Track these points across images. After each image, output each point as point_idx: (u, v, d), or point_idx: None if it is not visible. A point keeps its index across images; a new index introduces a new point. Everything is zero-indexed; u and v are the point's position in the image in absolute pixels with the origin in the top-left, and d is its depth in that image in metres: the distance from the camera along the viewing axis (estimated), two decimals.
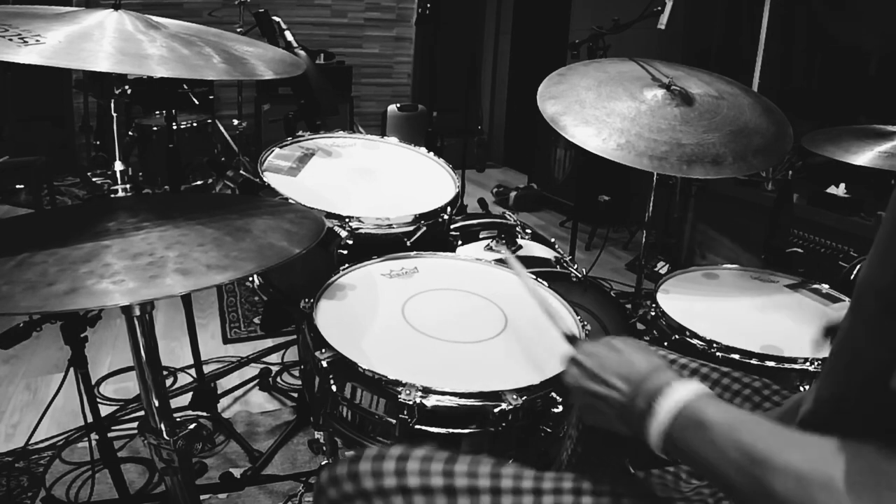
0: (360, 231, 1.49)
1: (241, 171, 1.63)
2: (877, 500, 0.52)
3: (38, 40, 0.87)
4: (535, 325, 1.29)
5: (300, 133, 1.87)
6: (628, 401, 0.75)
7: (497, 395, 1.04)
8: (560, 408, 1.09)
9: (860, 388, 0.61)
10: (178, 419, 1.07)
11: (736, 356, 1.32)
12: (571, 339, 0.91)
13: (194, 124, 3.92)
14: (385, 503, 0.80)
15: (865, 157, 1.63)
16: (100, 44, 0.93)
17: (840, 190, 2.73)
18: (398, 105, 5.36)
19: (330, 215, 1.46)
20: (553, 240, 2.19)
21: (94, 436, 1.57)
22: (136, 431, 1.60)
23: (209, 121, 4.09)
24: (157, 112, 3.94)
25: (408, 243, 1.55)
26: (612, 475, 0.84)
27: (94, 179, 3.82)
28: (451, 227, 1.68)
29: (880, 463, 0.54)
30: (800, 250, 2.76)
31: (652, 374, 0.75)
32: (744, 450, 0.61)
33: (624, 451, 1.15)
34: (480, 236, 2.06)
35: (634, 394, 0.74)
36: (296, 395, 2.22)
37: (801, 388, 1.24)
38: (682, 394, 0.70)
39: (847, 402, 0.63)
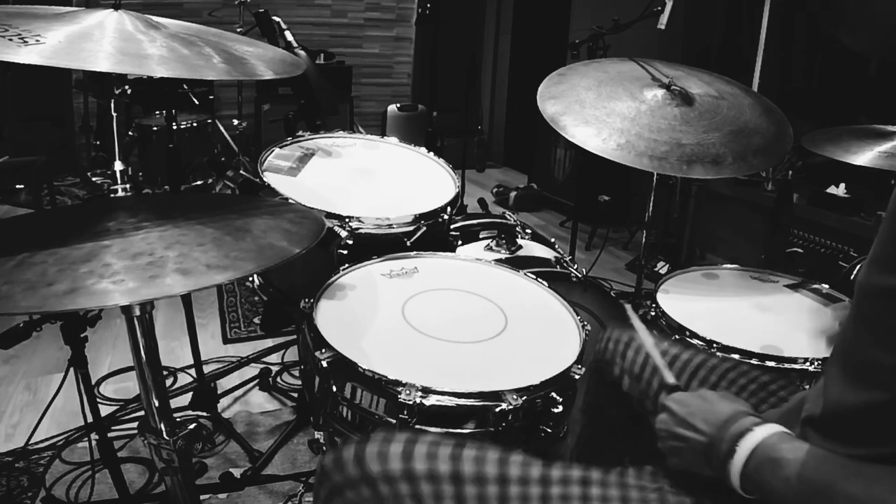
0: (360, 231, 1.49)
1: (241, 171, 1.63)
2: None
3: (38, 40, 0.87)
4: (535, 325, 1.29)
5: (300, 133, 1.87)
6: (711, 443, 0.79)
7: (497, 395, 1.04)
8: (560, 408, 1.09)
9: (864, 390, 0.61)
10: (178, 419, 1.07)
11: (736, 356, 1.32)
12: (672, 389, 0.95)
13: (194, 124, 3.92)
14: (390, 490, 0.78)
15: (865, 157, 1.63)
16: (100, 44, 0.93)
17: (840, 190, 2.73)
18: (398, 105, 5.36)
19: (330, 215, 1.46)
20: (553, 240, 2.19)
21: (94, 436, 1.57)
22: (136, 431, 1.60)
23: (209, 121, 4.09)
24: (157, 112, 3.94)
25: (408, 243, 1.54)
26: (616, 464, 0.85)
27: (94, 179, 3.82)
28: (451, 227, 1.68)
29: None
30: (800, 250, 2.76)
31: (734, 418, 0.79)
32: (812, 484, 0.66)
33: (624, 450, 1.15)
34: (480, 236, 2.06)
35: (718, 437, 0.78)
36: (296, 395, 2.22)
37: (803, 388, 1.24)
38: (759, 434, 0.74)
39: (852, 405, 0.63)
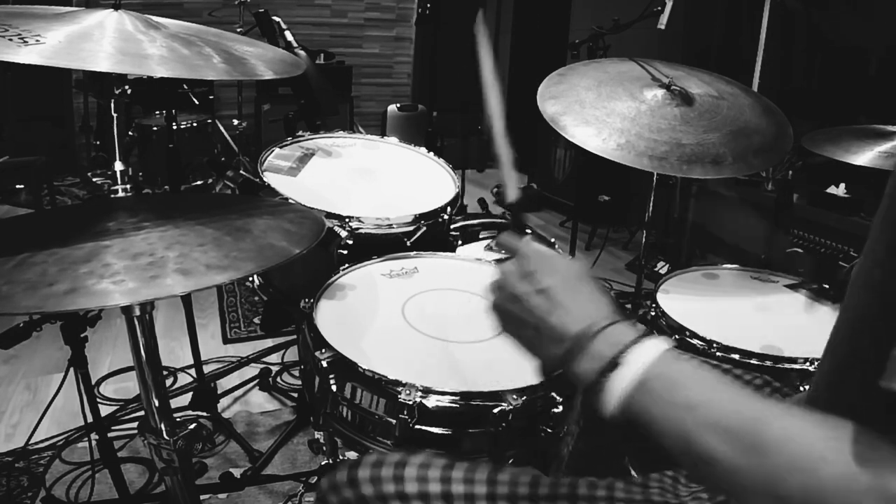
0: (360, 231, 1.49)
1: (241, 171, 1.63)
2: (879, 477, 0.48)
3: (38, 40, 0.87)
4: None
5: (300, 133, 1.87)
6: (580, 336, 0.64)
7: (497, 395, 1.04)
8: (560, 408, 1.09)
9: (854, 384, 0.60)
10: (178, 419, 1.07)
11: (736, 356, 1.32)
12: (514, 207, 0.75)
13: (194, 124, 3.92)
14: None
15: (865, 157, 1.63)
16: (100, 44, 0.93)
17: (840, 190, 2.73)
18: (398, 105, 5.35)
19: (330, 215, 1.46)
20: (553, 240, 2.19)
21: (94, 436, 1.57)
22: (136, 431, 1.60)
23: (209, 121, 4.09)
24: (157, 112, 3.94)
25: (408, 243, 1.55)
26: (610, 477, 0.84)
27: (94, 179, 3.82)
28: (451, 227, 1.68)
29: (881, 442, 0.50)
30: (800, 250, 2.76)
31: (615, 319, 0.65)
32: (733, 416, 0.54)
33: (624, 450, 1.15)
34: (480, 236, 2.06)
35: (590, 333, 0.63)
36: (296, 395, 2.22)
37: (801, 389, 1.24)
38: (653, 347, 0.61)
39: (841, 400, 0.62)
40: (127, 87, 3.34)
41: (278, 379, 2.34)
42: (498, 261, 0.75)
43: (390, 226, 1.52)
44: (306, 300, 1.25)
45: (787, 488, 0.50)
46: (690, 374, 0.59)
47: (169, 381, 2.28)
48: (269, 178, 1.59)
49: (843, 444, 0.50)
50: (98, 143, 4.12)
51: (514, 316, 0.71)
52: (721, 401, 0.56)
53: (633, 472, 0.86)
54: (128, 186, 1.14)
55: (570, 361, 0.65)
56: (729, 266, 1.76)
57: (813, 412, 0.55)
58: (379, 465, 0.83)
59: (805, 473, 0.50)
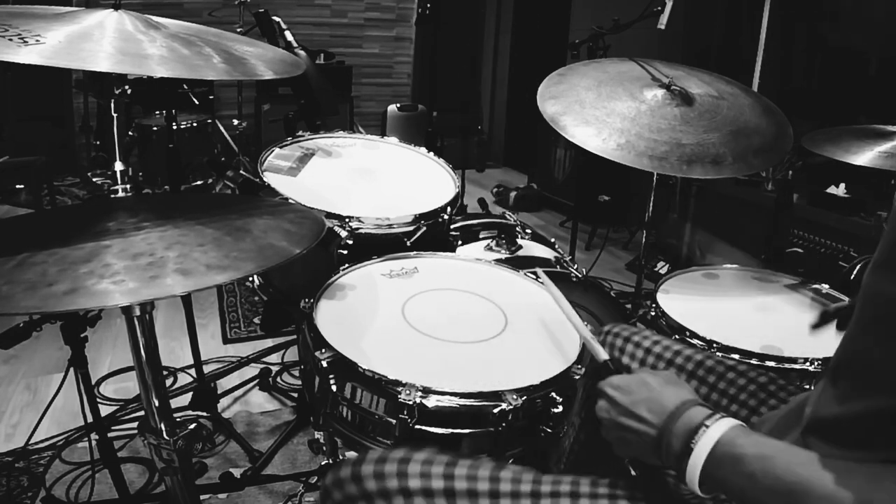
0: (360, 231, 1.49)
1: (241, 171, 1.63)
2: None
3: (38, 40, 0.87)
4: (535, 325, 1.29)
5: (300, 133, 1.87)
6: (660, 436, 0.76)
7: (497, 395, 1.04)
8: (560, 408, 1.09)
9: (868, 395, 0.61)
10: (178, 419, 1.07)
11: (736, 356, 1.32)
12: (605, 368, 0.93)
13: (194, 124, 3.92)
14: None
15: (865, 157, 1.63)
16: (100, 44, 0.93)
17: (840, 190, 2.73)
18: (398, 105, 5.36)
19: (330, 215, 1.46)
20: (553, 240, 2.19)
21: (94, 436, 1.57)
22: (136, 431, 1.61)
23: (209, 121, 4.09)
24: (157, 112, 3.94)
25: (408, 243, 1.54)
26: (611, 475, 0.84)
27: (94, 179, 3.82)
28: (451, 227, 1.68)
29: None
30: (800, 250, 2.76)
31: (681, 409, 0.76)
32: (781, 479, 0.63)
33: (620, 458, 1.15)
34: (480, 236, 2.06)
35: (667, 429, 0.75)
36: (296, 395, 2.22)
37: (803, 388, 1.24)
38: (716, 431, 0.71)
39: (856, 410, 0.63)
40: (127, 87, 3.34)
41: (278, 379, 2.34)
42: (590, 400, 0.94)
43: (390, 226, 1.52)
44: (306, 300, 1.25)
45: None
46: (750, 446, 0.68)
47: (169, 381, 2.28)
48: (269, 178, 1.59)
49: (879, 492, 0.56)
50: (98, 143, 4.12)
51: (617, 438, 0.83)
52: (774, 468, 0.65)
53: (632, 472, 0.86)
54: (128, 186, 1.14)
55: (659, 456, 0.77)
56: (729, 266, 1.76)
57: (849, 463, 0.61)
58: (382, 462, 0.84)
59: None
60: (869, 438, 0.62)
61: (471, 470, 0.83)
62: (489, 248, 1.95)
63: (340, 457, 1.31)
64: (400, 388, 1.04)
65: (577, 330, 1.08)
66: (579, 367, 1.15)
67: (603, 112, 1.56)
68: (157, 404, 1.04)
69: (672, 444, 0.74)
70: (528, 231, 2.16)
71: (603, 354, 0.95)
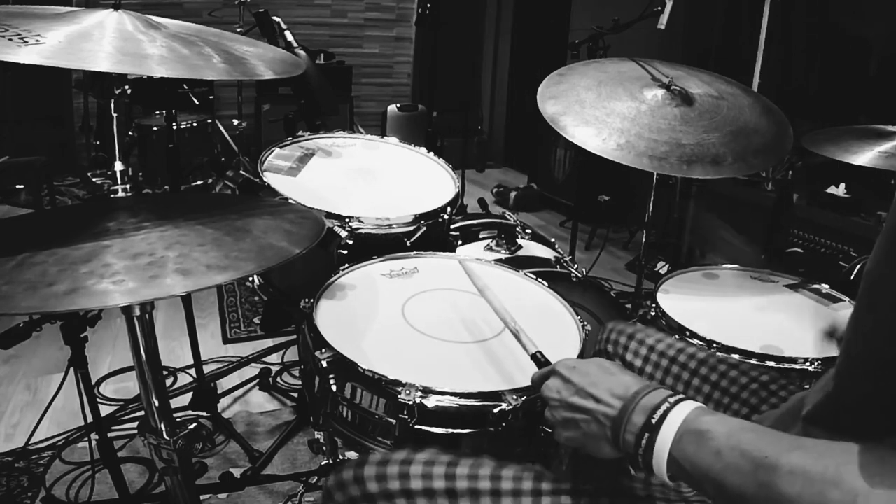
0: (360, 231, 1.49)
1: (241, 171, 1.63)
2: (890, 491, 0.51)
3: (38, 40, 0.87)
4: (535, 325, 1.29)
5: (300, 133, 1.87)
6: (620, 416, 0.73)
7: (497, 395, 1.04)
8: None
9: (872, 387, 0.60)
10: (178, 419, 1.07)
11: (736, 356, 1.32)
12: (535, 359, 0.93)
13: (194, 124, 3.92)
14: None
15: (865, 157, 1.63)
16: (100, 44, 0.93)
17: (840, 190, 2.73)
18: (398, 105, 5.35)
19: (330, 215, 1.46)
20: (553, 240, 2.19)
21: (94, 436, 1.57)
22: (136, 431, 1.60)
23: (209, 121, 4.09)
24: (157, 112, 3.94)
25: (408, 243, 1.54)
26: (611, 476, 0.84)
27: (94, 179, 3.80)
28: (451, 227, 1.68)
29: (891, 456, 0.53)
30: (800, 250, 2.76)
31: (646, 391, 0.74)
32: (749, 456, 0.60)
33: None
34: (480, 236, 2.06)
35: (629, 409, 0.73)
36: (296, 395, 2.22)
37: (804, 387, 1.24)
38: (682, 409, 0.69)
39: (857, 402, 0.62)
40: (127, 87, 3.34)
41: (278, 379, 2.34)
42: (535, 378, 0.91)
43: (390, 226, 1.52)
44: (306, 300, 1.25)
45: None
46: (715, 423, 0.66)
47: (169, 381, 2.28)
48: (269, 178, 1.59)
49: (850, 466, 0.53)
50: (98, 143, 4.12)
51: (566, 420, 0.80)
52: (740, 443, 0.62)
53: (632, 471, 0.86)
54: (128, 186, 1.14)
55: (617, 441, 0.74)
56: (729, 266, 1.76)
57: (825, 441, 0.58)
58: (384, 463, 0.84)
59: (817, 498, 0.54)
60: (874, 425, 0.61)
61: (472, 469, 0.83)
62: (489, 248, 1.95)
63: (340, 457, 1.31)
64: (400, 388, 1.04)
65: (503, 321, 1.06)
66: None
67: (603, 112, 1.56)
68: (157, 404, 1.04)
69: (635, 421, 0.72)
70: (528, 231, 2.16)
71: (531, 347, 0.95)
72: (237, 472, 1.81)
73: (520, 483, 0.82)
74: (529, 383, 1.06)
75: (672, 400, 0.71)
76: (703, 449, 0.64)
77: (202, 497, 1.72)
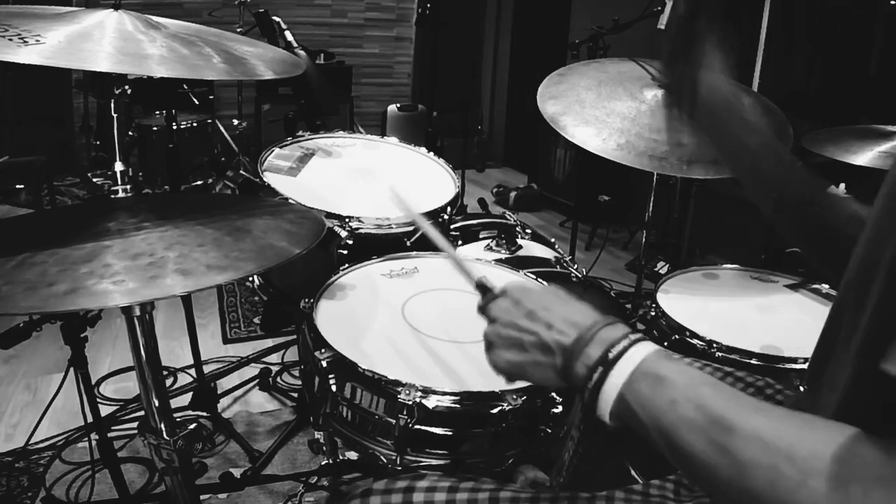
0: (360, 231, 1.49)
1: (241, 171, 1.63)
2: (845, 484, 0.48)
3: (38, 40, 0.87)
4: None
5: (300, 133, 1.87)
6: (574, 346, 0.67)
7: (497, 395, 1.04)
8: (560, 408, 1.09)
9: (851, 366, 0.57)
10: (178, 419, 1.07)
11: (736, 356, 1.32)
12: (486, 288, 0.84)
13: (194, 124, 3.92)
14: None
15: (866, 157, 1.63)
16: (100, 44, 0.93)
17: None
18: (398, 105, 5.35)
19: (330, 215, 1.46)
20: (553, 240, 2.19)
21: (94, 436, 1.57)
22: (136, 431, 1.60)
23: (209, 121, 4.09)
24: (157, 112, 3.94)
25: (408, 243, 1.55)
26: (610, 481, 0.84)
27: (94, 179, 3.81)
28: (451, 227, 1.68)
29: (855, 446, 0.49)
30: (800, 250, 2.75)
31: (605, 322, 0.68)
32: (707, 410, 0.56)
33: (624, 452, 1.14)
34: (480, 236, 2.06)
35: (586, 339, 0.66)
36: (296, 395, 2.22)
37: (802, 388, 1.24)
38: (642, 348, 0.64)
39: (837, 384, 0.60)
40: (127, 87, 3.34)
41: (278, 379, 2.34)
42: (482, 304, 0.83)
43: (390, 226, 1.52)
44: (306, 300, 1.25)
45: (752, 485, 0.51)
46: (675, 371, 0.60)
47: (169, 381, 2.28)
48: (269, 178, 1.59)
49: (813, 442, 0.51)
50: (98, 143, 4.12)
51: (511, 340, 0.73)
52: (699, 397, 0.57)
53: (636, 476, 0.86)
54: (128, 186, 1.14)
55: (567, 372, 0.67)
56: (729, 266, 1.76)
57: (788, 410, 0.55)
58: (389, 493, 0.85)
59: (769, 471, 0.50)
60: (853, 415, 0.59)
61: (472, 494, 0.83)
62: (489, 248, 1.95)
63: (340, 457, 1.31)
64: (400, 388, 1.04)
65: (445, 251, 0.97)
66: None
67: (603, 112, 1.56)
68: (157, 404, 1.04)
69: (589, 353, 0.65)
70: (528, 231, 2.16)
71: (476, 274, 0.87)
72: (237, 472, 1.81)
73: (518, 493, 0.82)
74: (529, 383, 1.07)
75: (633, 337, 0.65)
76: (659, 395, 0.59)
77: (202, 497, 1.72)
